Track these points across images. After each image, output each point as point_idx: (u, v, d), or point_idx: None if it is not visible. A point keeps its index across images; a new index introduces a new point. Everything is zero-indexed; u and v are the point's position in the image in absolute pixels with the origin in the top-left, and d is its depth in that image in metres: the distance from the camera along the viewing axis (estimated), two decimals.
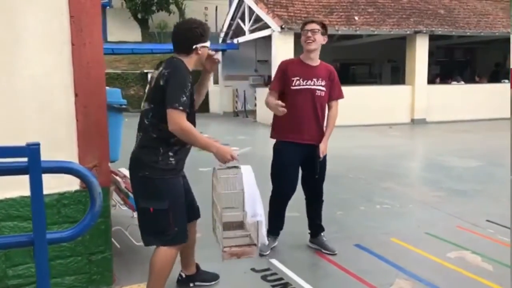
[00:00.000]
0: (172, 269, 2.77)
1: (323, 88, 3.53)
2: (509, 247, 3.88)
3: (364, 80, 18.47)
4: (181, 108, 2.48)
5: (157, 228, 2.65)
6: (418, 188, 6.40)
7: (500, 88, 15.36)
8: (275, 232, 3.81)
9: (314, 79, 3.50)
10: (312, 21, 3.54)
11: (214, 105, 19.79)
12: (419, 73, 14.26)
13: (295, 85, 3.49)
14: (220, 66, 18.61)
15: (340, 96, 3.70)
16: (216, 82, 19.35)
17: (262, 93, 14.97)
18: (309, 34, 3.48)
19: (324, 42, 3.57)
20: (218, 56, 2.95)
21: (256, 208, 2.60)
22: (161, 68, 2.63)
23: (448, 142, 10.87)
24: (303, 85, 3.49)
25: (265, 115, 14.01)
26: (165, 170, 2.62)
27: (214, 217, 2.84)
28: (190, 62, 2.68)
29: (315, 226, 3.87)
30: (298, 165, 3.67)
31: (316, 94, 3.52)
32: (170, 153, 2.63)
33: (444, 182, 6.38)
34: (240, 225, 2.76)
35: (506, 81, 15.80)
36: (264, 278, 3.33)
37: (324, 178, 3.77)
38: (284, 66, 3.61)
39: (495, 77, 16.31)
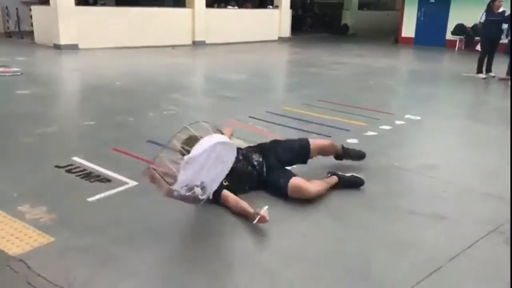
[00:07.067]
0: None
1: None
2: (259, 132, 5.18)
3: (148, 2, 18.63)
4: None
5: None
6: (197, 97, 7.54)
7: (267, 13, 17.54)
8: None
9: None
10: None
11: None
12: None
13: None
14: None
15: None
16: None
17: (39, 11, 13.92)
18: None
19: None
20: None
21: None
22: None
23: (224, 61, 12.29)
24: None
25: (44, 36, 13.25)
26: None
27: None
28: None
29: None
30: None
31: None
32: None
33: (219, 91, 7.60)
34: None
35: (271, 6, 17.97)
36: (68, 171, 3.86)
37: None
38: None
39: (262, 4, 18.36)
